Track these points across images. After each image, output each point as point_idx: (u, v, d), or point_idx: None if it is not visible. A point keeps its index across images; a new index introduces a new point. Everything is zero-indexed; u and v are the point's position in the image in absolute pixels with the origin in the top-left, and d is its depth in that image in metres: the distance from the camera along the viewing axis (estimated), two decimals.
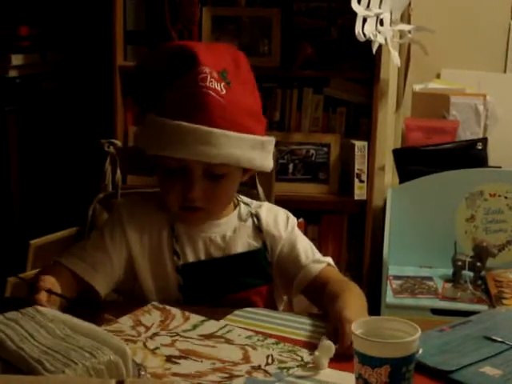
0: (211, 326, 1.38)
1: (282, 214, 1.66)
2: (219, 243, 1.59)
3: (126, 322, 1.39)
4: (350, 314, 1.32)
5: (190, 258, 1.57)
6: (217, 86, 1.47)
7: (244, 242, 1.60)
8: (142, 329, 1.37)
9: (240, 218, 1.63)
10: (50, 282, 1.41)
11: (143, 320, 1.40)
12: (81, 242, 1.63)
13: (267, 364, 1.24)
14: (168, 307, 1.45)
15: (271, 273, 1.62)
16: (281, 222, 1.63)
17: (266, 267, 1.62)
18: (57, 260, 1.53)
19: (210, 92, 1.46)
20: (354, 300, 1.41)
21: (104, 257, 1.54)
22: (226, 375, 1.20)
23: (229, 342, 1.32)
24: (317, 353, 1.24)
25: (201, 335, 1.34)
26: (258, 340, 1.32)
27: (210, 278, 1.58)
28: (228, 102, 1.47)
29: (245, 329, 1.37)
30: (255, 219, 1.63)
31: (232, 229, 1.60)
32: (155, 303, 1.47)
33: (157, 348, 1.30)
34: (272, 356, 1.26)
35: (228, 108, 1.48)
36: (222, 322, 1.39)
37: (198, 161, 1.48)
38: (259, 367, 1.23)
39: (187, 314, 1.43)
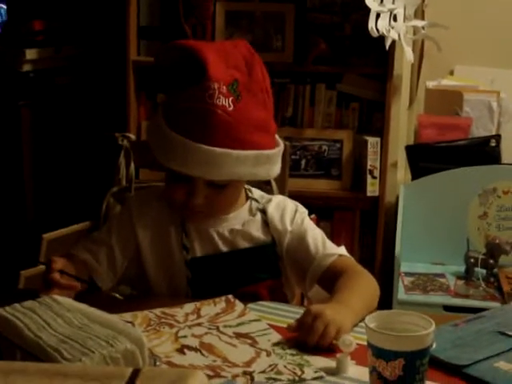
0: (255, 326, 1.38)
1: (290, 207, 1.66)
2: (227, 237, 1.60)
3: (186, 307, 1.45)
4: (325, 310, 1.32)
5: (199, 252, 1.59)
6: (224, 102, 1.46)
7: (252, 237, 1.61)
8: (192, 317, 1.41)
9: (250, 212, 1.64)
10: (62, 263, 1.46)
11: (203, 309, 1.44)
12: (93, 233, 1.67)
13: (263, 372, 1.22)
14: (237, 301, 1.47)
15: (281, 267, 1.63)
16: (287, 216, 1.63)
17: (274, 262, 1.62)
18: (69, 251, 1.58)
19: (217, 110, 1.46)
20: (350, 300, 1.40)
21: (108, 252, 1.57)
22: (212, 374, 1.20)
23: (253, 344, 1.31)
24: (338, 355, 1.25)
25: (236, 333, 1.35)
26: (282, 348, 1.30)
27: (218, 272, 1.59)
28: (234, 119, 1.47)
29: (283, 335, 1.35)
30: (262, 214, 1.63)
31: (241, 223, 1.61)
32: (231, 296, 1.49)
33: (184, 337, 1.33)
34: (276, 365, 1.24)
35: (234, 125, 1.47)
36: (266, 326, 1.38)
37: None
38: (250, 373, 1.21)
39: (248, 310, 1.44)
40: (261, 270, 1.61)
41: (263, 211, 1.63)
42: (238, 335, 1.34)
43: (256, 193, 1.68)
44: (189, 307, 1.45)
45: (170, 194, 1.57)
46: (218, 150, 1.46)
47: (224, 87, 1.46)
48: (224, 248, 1.60)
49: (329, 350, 1.30)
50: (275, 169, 1.58)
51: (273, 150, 1.56)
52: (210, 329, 1.37)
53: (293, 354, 1.28)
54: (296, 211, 1.65)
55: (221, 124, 1.46)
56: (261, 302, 1.50)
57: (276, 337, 1.34)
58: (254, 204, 1.65)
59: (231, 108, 1.47)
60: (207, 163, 1.47)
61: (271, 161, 1.55)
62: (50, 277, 1.42)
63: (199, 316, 1.42)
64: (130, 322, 1.35)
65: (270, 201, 1.66)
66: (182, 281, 1.57)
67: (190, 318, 1.41)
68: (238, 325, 1.39)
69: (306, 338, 1.30)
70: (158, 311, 1.43)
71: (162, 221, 1.60)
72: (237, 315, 1.42)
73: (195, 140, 1.46)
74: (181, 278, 1.58)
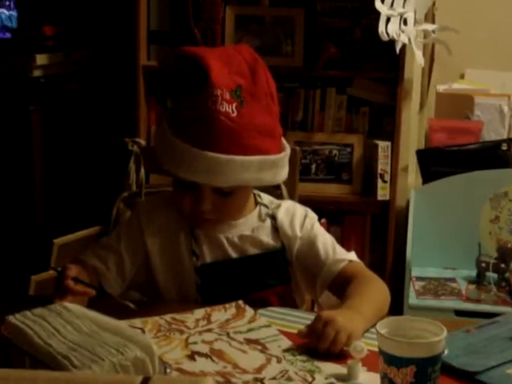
0: (265, 332, 1.37)
1: (299, 212, 1.65)
2: (236, 243, 1.59)
3: (197, 313, 1.44)
4: (336, 316, 1.32)
5: (208, 259, 1.58)
6: (228, 109, 1.46)
7: (262, 242, 1.60)
8: (203, 323, 1.40)
9: (260, 217, 1.63)
10: (76, 270, 1.45)
11: (213, 315, 1.44)
12: (102, 239, 1.66)
13: (273, 378, 1.21)
14: (247, 307, 1.46)
15: (291, 272, 1.62)
16: (297, 222, 1.63)
17: (284, 267, 1.61)
18: (78, 257, 1.58)
19: (220, 116, 1.45)
20: (361, 306, 1.40)
21: (117, 259, 1.57)
22: (222, 380, 1.20)
23: (263, 350, 1.31)
24: (349, 362, 1.24)
25: (247, 339, 1.34)
26: (292, 354, 1.29)
27: (228, 279, 1.58)
28: (238, 125, 1.47)
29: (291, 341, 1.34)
30: (272, 220, 1.62)
31: (250, 229, 1.61)
32: (241, 302, 1.49)
33: (194, 343, 1.32)
34: (287, 372, 1.23)
35: (238, 131, 1.47)
36: (276, 332, 1.38)
37: None
38: (260, 380, 1.21)
39: (258, 316, 1.43)
40: (270, 276, 1.61)
41: (273, 217, 1.63)
42: (249, 341, 1.34)
43: (265, 198, 1.68)
44: (199, 313, 1.45)
45: (177, 201, 1.57)
46: (222, 156, 1.46)
47: (227, 93, 1.46)
48: (233, 254, 1.59)
49: (340, 356, 1.29)
50: (282, 173, 1.57)
51: (278, 154, 1.55)
52: (220, 335, 1.36)
53: (303, 361, 1.27)
54: (306, 216, 1.64)
55: (224, 130, 1.46)
56: (271, 308, 1.49)
57: (286, 343, 1.33)
58: (263, 209, 1.64)
59: (235, 114, 1.46)
60: (212, 170, 1.47)
61: (277, 165, 1.54)
62: (64, 284, 1.42)
63: (209, 322, 1.41)
64: (140, 329, 1.35)
65: (279, 206, 1.65)
66: (191, 287, 1.57)
67: (201, 324, 1.40)
68: (249, 331, 1.38)
69: (317, 345, 1.30)
70: (168, 317, 1.42)
71: (170, 227, 1.60)
72: (247, 321, 1.42)
73: (200, 147, 1.46)
74: (190, 284, 1.57)
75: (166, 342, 1.32)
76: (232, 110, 1.46)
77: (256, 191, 1.66)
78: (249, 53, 1.56)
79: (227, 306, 1.47)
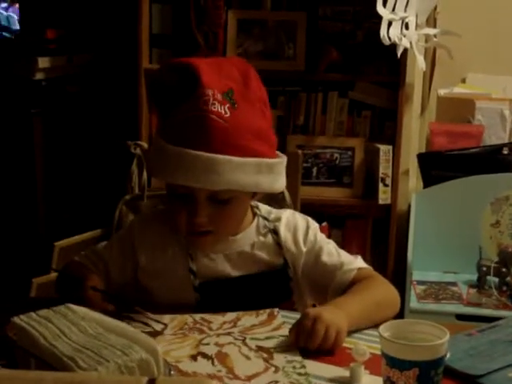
0: (280, 342, 1.35)
1: (301, 225, 1.61)
2: (235, 261, 1.55)
3: (228, 316, 1.44)
4: (322, 312, 1.33)
5: (207, 276, 1.54)
6: (220, 109, 1.42)
7: (262, 260, 1.56)
8: (228, 326, 1.40)
9: (258, 231, 1.59)
10: (94, 279, 1.45)
11: (242, 319, 1.43)
12: (97, 246, 1.63)
13: None
14: (279, 316, 1.44)
15: (293, 288, 1.58)
16: (300, 236, 1.58)
17: (286, 284, 1.58)
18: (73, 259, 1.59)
19: (213, 116, 1.41)
20: (345, 304, 1.40)
21: (104, 269, 1.56)
22: None
23: (267, 359, 1.29)
24: (351, 365, 1.24)
25: (259, 346, 1.33)
26: (293, 367, 1.27)
27: (228, 296, 1.54)
28: (232, 126, 1.43)
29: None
30: (274, 235, 1.58)
31: (250, 244, 1.57)
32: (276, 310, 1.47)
33: (206, 344, 1.32)
34: (277, 383, 1.21)
35: (231, 132, 1.43)
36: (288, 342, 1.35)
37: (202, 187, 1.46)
38: None
39: (284, 325, 1.41)
40: (271, 294, 1.56)
41: (274, 231, 1.58)
42: (259, 348, 1.31)
43: (263, 208, 1.63)
44: (230, 316, 1.44)
45: (172, 218, 1.52)
46: (217, 156, 1.42)
47: (219, 94, 1.43)
48: (233, 271, 1.55)
49: (330, 352, 1.30)
50: (280, 181, 1.53)
51: (275, 159, 1.51)
52: (236, 339, 1.35)
53: (300, 374, 1.24)
54: (308, 228, 1.60)
55: (217, 130, 1.42)
56: (284, 313, 1.47)
57: (295, 355, 1.30)
58: (262, 222, 1.60)
59: (227, 115, 1.42)
60: (207, 171, 1.42)
61: (273, 171, 1.50)
62: (86, 295, 1.41)
63: (234, 326, 1.40)
64: (164, 324, 1.36)
65: (279, 219, 1.60)
66: (190, 304, 1.52)
67: (224, 327, 1.39)
68: (266, 338, 1.35)
69: (308, 342, 1.29)
70: (198, 316, 1.43)
71: (166, 245, 1.55)
72: (271, 329, 1.39)
73: (194, 148, 1.42)
74: (189, 301, 1.52)
75: (180, 341, 1.32)
76: (224, 110, 1.42)
77: (254, 202, 1.61)
78: (239, 61, 1.55)
79: (261, 311, 1.45)
